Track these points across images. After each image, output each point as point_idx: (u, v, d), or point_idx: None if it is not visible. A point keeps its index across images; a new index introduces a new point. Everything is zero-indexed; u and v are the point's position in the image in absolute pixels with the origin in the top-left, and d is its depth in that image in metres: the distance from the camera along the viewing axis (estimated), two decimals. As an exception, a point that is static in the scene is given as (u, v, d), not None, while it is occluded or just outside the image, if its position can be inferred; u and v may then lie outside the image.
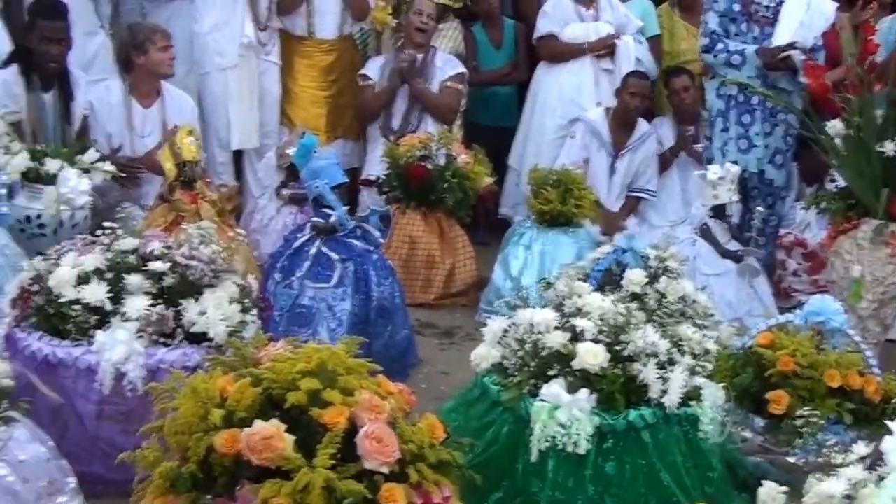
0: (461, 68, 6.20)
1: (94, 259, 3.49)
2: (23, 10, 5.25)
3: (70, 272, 3.43)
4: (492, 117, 6.71)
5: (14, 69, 4.88)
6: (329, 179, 4.41)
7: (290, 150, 5.22)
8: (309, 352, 2.69)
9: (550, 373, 3.03)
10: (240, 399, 2.54)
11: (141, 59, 5.26)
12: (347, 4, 6.14)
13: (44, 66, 4.93)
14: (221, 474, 2.50)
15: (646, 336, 3.03)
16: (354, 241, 4.42)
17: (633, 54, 6.19)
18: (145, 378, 3.24)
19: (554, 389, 2.97)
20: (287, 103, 6.14)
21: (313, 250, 4.38)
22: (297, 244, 4.44)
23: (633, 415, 2.98)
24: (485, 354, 3.22)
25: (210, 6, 5.77)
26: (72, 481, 2.87)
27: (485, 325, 3.32)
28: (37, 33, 4.86)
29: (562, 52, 6.31)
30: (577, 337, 3.07)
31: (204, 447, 2.48)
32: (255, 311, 3.60)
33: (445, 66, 6.14)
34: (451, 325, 5.23)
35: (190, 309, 3.40)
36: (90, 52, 5.36)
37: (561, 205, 5.26)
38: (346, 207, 4.51)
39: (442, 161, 5.57)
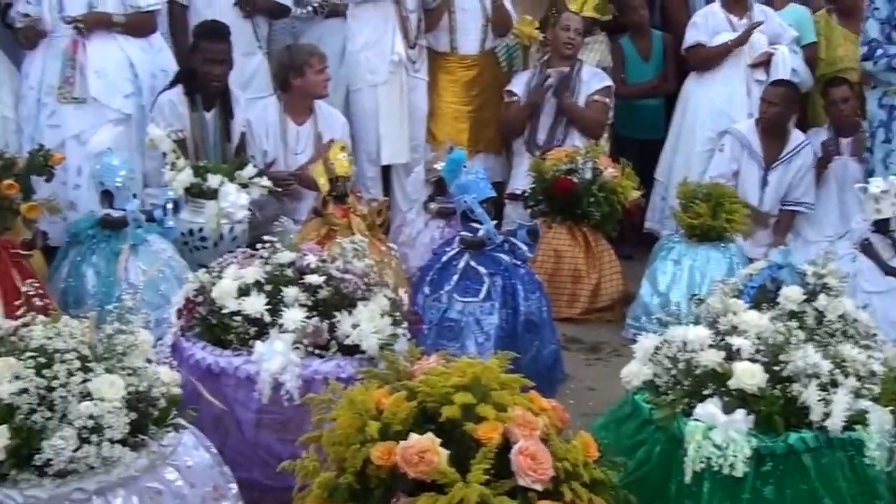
0: (608, 81, 6.16)
1: (253, 272, 3.61)
2: (187, 33, 5.49)
3: (231, 284, 3.55)
4: (639, 130, 6.64)
5: (179, 89, 5.10)
6: (477, 194, 4.43)
7: (439, 165, 5.29)
8: (462, 366, 2.72)
9: (705, 392, 2.97)
10: (395, 412, 2.58)
11: (298, 80, 5.42)
12: (489, 20, 6.17)
13: (207, 86, 5.14)
14: (378, 486, 2.54)
15: (807, 356, 2.93)
16: (502, 256, 4.43)
17: (788, 65, 6.02)
18: (301, 388, 3.33)
19: (709, 409, 2.91)
20: (430, 119, 6.22)
21: (462, 264, 4.41)
22: (445, 258, 4.48)
23: (793, 438, 2.88)
24: (636, 372, 3.17)
25: (362, 24, 5.89)
26: (234, 487, 2.95)
27: (632, 340, 3.28)
28: (200, 55, 5.07)
29: (711, 56, 6.18)
30: (732, 355, 3.00)
31: (361, 459, 2.53)
32: (405, 325, 3.65)
33: (592, 80, 6.11)
34: (598, 340, 5.19)
35: (344, 321, 3.47)
36: (248, 71, 5.57)
37: (711, 219, 5.15)
38: (494, 222, 4.52)
39: (588, 175, 5.53)
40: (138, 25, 5.29)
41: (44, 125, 5.10)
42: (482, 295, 4.34)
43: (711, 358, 2.99)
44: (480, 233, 4.42)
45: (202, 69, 5.09)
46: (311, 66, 5.39)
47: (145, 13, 5.32)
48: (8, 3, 5.77)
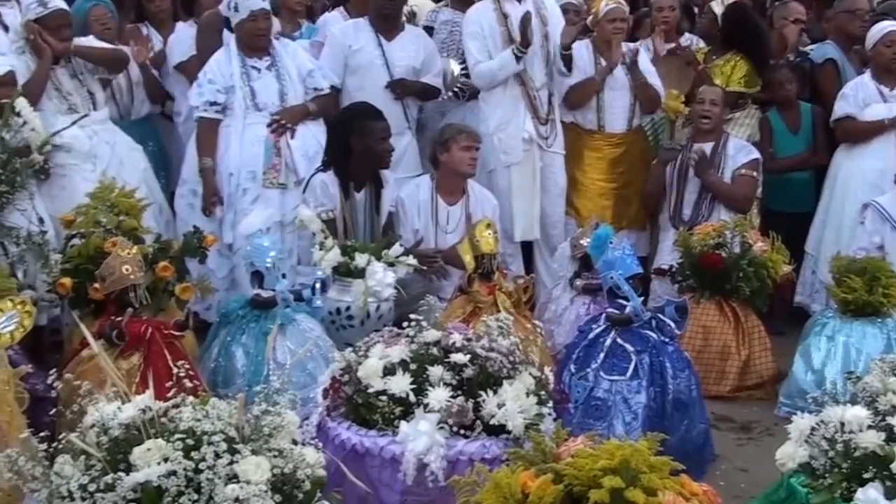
0: (755, 154, 6.01)
1: (399, 351, 3.61)
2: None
3: (377, 364, 3.56)
4: (788, 203, 6.44)
5: (331, 171, 5.22)
6: (624, 270, 4.36)
7: (584, 241, 5.23)
8: (611, 448, 2.64)
9: (865, 476, 2.85)
10: (542, 496, 2.53)
11: (444, 156, 5.48)
12: (638, 98, 6.15)
13: (378, 163, 5.25)
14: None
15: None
16: (650, 333, 4.32)
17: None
18: (446, 469, 3.29)
19: (870, 494, 2.80)
20: (574, 194, 6.19)
21: (608, 341, 4.32)
22: (592, 335, 4.40)
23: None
24: (791, 453, 3.06)
25: (493, 107, 5.94)
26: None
27: (786, 420, 3.17)
28: (371, 135, 5.17)
29: (862, 131, 6.00)
30: (894, 437, 2.88)
31: (506, 544, 2.47)
32: (551, 404, 3.58)
33: (738, 154, 5.98)
34: (749, 419, 5.00)
35: (489, 401, 3.43)
36: (398, 151, 5.66)
37: (867, 294, 4.94)
38: (641, 298, 4.42)
39: (737, 249, 5.39)
40: (324, 108, 5.46)
41: (246, 209, 5.30)
42: (629, 373, 4.24)
43: (871, 439, 2.88)
44: (627, 309, 4.34)
45: (378, 147, 5.20)
46: (456, 142, 5.44)
47: (327, 96, 5.49)
48: (169, 97, 6.13)
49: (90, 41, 5.37)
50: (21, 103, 4.46)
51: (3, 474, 2.75)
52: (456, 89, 6.18)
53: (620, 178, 6.23)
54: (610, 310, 4.41)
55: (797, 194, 6.46)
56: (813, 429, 3.04)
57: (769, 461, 3.14)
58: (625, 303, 4.34)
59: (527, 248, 6.14)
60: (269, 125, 5.40)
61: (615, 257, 4.42)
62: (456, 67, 6.13)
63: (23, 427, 3.33)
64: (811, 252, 6.13)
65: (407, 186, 5.55)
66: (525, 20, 5.70)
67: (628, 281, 4.34)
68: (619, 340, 4.32)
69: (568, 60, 5.95)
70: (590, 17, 6.41)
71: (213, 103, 5.41)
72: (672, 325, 4.37)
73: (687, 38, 6.92)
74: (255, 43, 5.45)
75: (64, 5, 5.18)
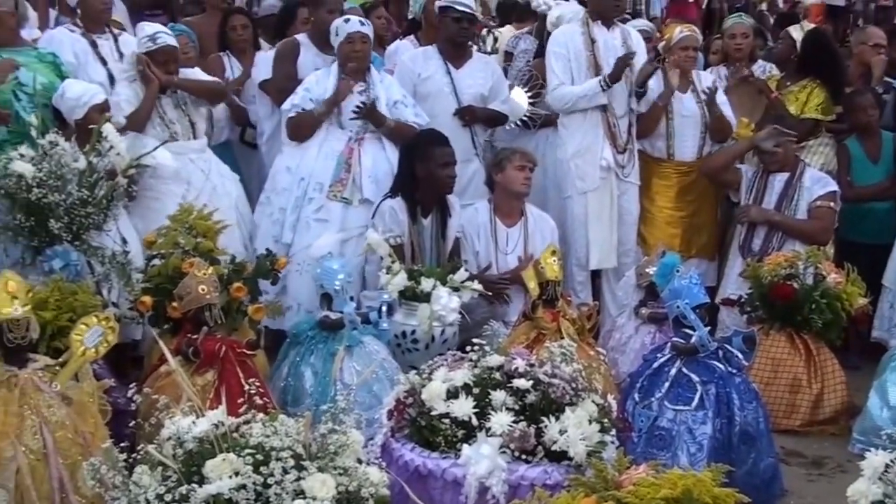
0: (832, 186, 5.92)
1: (462, 374, 3.66)
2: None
3: (441, 387, 3.61)
4: (866, 234, 6.32)
5: (400, 198, 5.31)
6: (690, 299, 4.34)
7: (651, 270, 5.22)
8: (673, 478, 2.65)
9: None
10: (601, 522, 2.53)
11: (499, 176, 5.55)
12: (709, 127, 6.14)
13: (443, 188, 5.32)
14: None
15: None
16: (716, 363, 4.30)
17: None
18: (507, 493, 3.32)
19: None
20: (642, 223, 6.17)
21: (674, 371, 4.31)
22: (656, 364, 4.39)
23: None
24: (864, 491, 3.02)
25: (573, 132, 5.98)
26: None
27: (860, 456, 3.11)
28: (433, 161, 5.26)
29: None
30: None
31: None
32: (614, 432, 3.59)
33: (815, 185, 5.88)
34: (820, 454, 4.92)
35: (551, 427, 3.46)
36: (465, 177, 5.74)
37: (946, 330, 4.84)
38: (707, 328, 4.41)
39: (810, 280, 5.32)
40: (400, 134, 5.58)
41: (310, 217, 5.44)
42: (695, 403, 4.22)
43: (946, 479, 2.80)
44: (694, 339, 4.32)
45: (440, 173, 5.28)
46: (511, 162, 5.50)
47: (409, 126, 5.61)
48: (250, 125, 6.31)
49: (195, 73, 5.60)
50: (108, 129, 4.64)
51: (87, 482, 2.88)
52: (525, 118, 6.24)
53: (689, 207, 6.20)
54: (675, 339, 4.40)
55: (876, 225, 6.34)
56: (887, 466, 3.01)
57: (841, 498, 3.10)
58: (691, 332, 4.32)
59: (592, 275, 6.12)
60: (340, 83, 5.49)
61: (682, 286, 4.41)
62: (524, 97, 6.19)
63: (105, 438, 3.45)
64: (889, 285, 6.00)
65: (466, 211, 5.60)
66: (625, 60, 5.76)
67: (695, 310, 4.33)
68: (684, 370, 4.31)
69: (640, 96, 5.99)
70: (661, 43, 6.43)
71: (302, 108, 5.55)
72: (739, 356, 4.34)
73: (760, 66, 6.89)
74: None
75: (173, 42, 5.41)
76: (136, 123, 5.21)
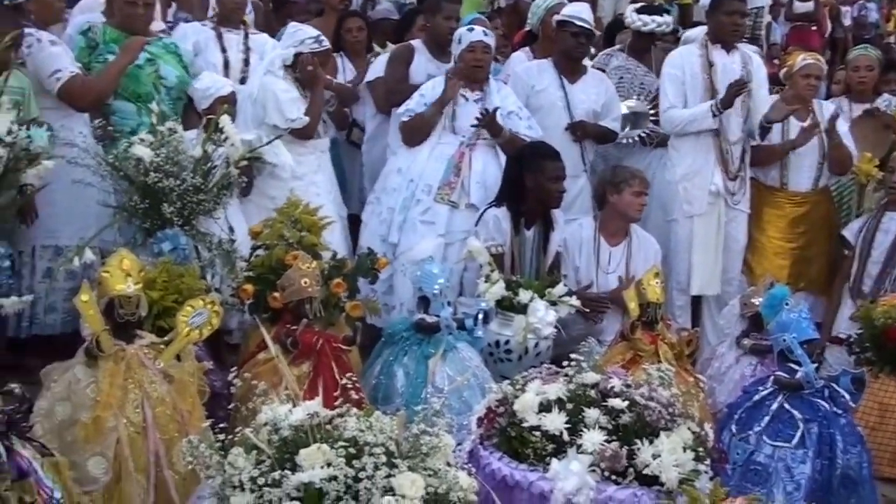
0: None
1: (557, 389, 3.62)
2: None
3: (534, 399, 3.58)
4: None
5: (504, 207, 5.30)
6: (798, 333, 4.22)
7: (756, 300, 5.10)
8: (770, 512, 2.57)
9: None
10: (693, 550, 2.47)
11: (614, 197, 5.50)
12: (828, 158, 5.99)
13: (548, 202, 5.31)
14: None
15: None
16: (821, 402, 4.16)
17: None
18: (593, 512, 3.28)
19: None
20: (750, 252, 6.07)
21: (775, 406, 4.19)
22: (757, 397, 4.27)
23: None
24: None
25: (683, 155, 5.91)
26: None
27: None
28: (543, 174, 5.24)
29: None
30: None
31: None
32: (708, 462, 3.51)
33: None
34: (924, 506, 4.74)
35: (644, 450, 3.40)
36: (572, 193, 5.70)
37: None
38: (814, 365, 4.28)
39: (925, 325, 5.13)
40: (513, 146, 5.58)
41: (416, 219, 5.49)
42: (795, 441, 4.10)
43: None
44: (799, 375, 4.19)
45: (550, 186, 5.27)
46: (630, 187, 5.47)
47: (522, 138, 5.61)
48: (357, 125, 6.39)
49: None
50: (225, 120, 4.75)
51: (183, 458, 2.93)
52: (643, 134, 6.17)
53: (800, 239, 6.08)
54: (779, 373, 4.27)
55: None
56: None
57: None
58: (796, 367, 4.19)
59: (693, 301, 6.04)
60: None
61: (790, 319, 4.28)
62: (648, 111, 6.13)
63: (202, 418, 3.55)
64: None
65: (570, 227, 5.58)
66: (737, 86, 5.68)
67: (802, 345, 4.21)
68: (786, 406, 4.18)
69: (765, 131, 5.87)
70: (783, 70, 6.30)
71: (416, 113, 5.59)
72: (846, 396, 4.21)
73: (885, 100, 6.69)
74: (471, 73, 5.62)
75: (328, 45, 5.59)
76: (308, 130, 5.39)
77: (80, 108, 4.99)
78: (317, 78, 5.46)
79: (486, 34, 5.67)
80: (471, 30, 5.65)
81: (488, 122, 5.48)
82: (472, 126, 5.52)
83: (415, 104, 5.62)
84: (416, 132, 5.61)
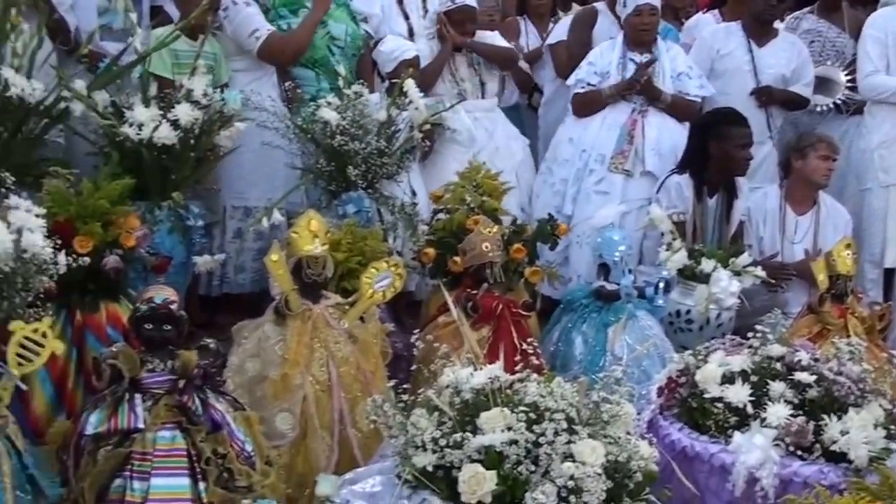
0: None
1: (741, 360, 3.55)
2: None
3: (717, 370, 3.52)
4: None
5: (686, 174, 5.19)
6: None
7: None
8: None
9: None
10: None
11: (798, 162, 5.33)
12: None
13: (735, 169, 5.19)
14: None
15: None
16: None
17: None
18: (777, 488, 3.20)
19: None
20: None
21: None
22: (956, 375, 4.06)
23: None
24: None
25: (881, 121, 5.66)
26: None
27: None
28: (729, 140, 5.11)
29: None
30: None
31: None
32: (901, 440, 3.36)
33: None
34: None
35: (832, 426, 3.29)
36: (757, 160, 5.51)
37: None
38: None
39: None
40: (678, 108, 5.48)
41: (590, 189, 5.45)
42: None
43: None
44: None
45: (736, 154, 5.14)
46: (815, 150, 5.28)
47: (689, 101, 5.51)
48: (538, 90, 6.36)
49: (493, 37, 5.71)
50: (409, 84, 4.83)
51: (367, 418, 3.02)
52: (839, 101, 5.91)
53: None
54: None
55: None
56: None
57: None
58: None
59: (886, 274, 5.78)
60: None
61: None
62: (842, 77, 5.86)
63: (384, 378, 3.63)
64: None
65: (754, 196, 5.42)
66: None
67: None
68: None
69: None
70: None
71: (588, 83, 5.54)
72: None
73: None
74: (638, 37, 5.52)
75: (471, 2, 5.53)
76: (426, 79, 5.34)
77: (280, 64, 5.19)
78: (441, 36, 5.47)
79: None
80: None
81: (644, 87, 5.37)
82: (630, 81, 5.42)
83: (584, 73, 5.56)
84: (589, 106, 5.55)
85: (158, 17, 5.38)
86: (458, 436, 2.74)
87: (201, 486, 3.04)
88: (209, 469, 3.04)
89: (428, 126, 4.98)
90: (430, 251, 4.55)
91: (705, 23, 6.35)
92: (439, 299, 4.12)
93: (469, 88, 5.58)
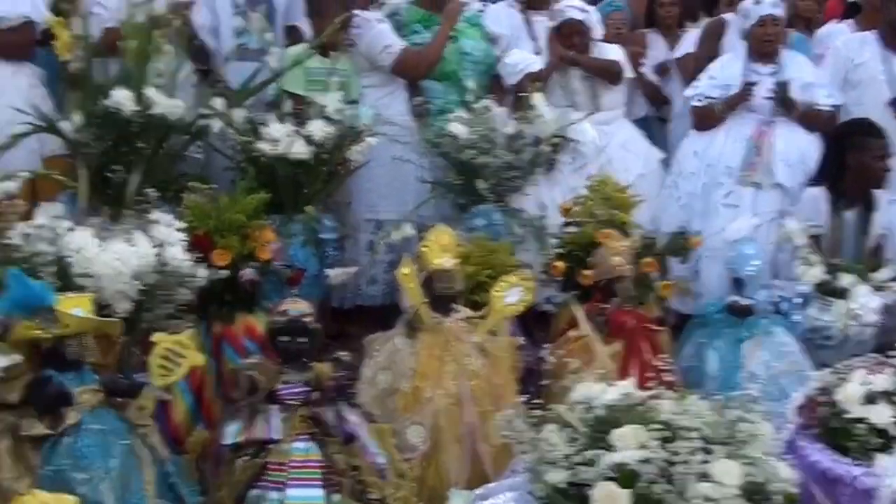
0: None
1: (884, 380, 3.41)
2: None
3: (858, 389, 3.39)
4: None
5: (823, 187, 5.04)
6: None
7: None
8: None
9: None
10: None
11: None
12: None
13: (871, 182, 5.03)
14: None
15: None
16: None
17: None
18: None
19: None
20: None
21: None
22: None
23: None
24: None
25: None
26: None
27: None
28: (867, 152, 4.96)
29: None
30: None
31: None
32: None
33: None
34: None
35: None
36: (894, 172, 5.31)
37: None
38: None
39: None
40: (809, 119, 5.34)
41: (718, 203, 5.33)
42: None
43: None
44: None
45: (874, 165, 4.98)
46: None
47: (818, 110, 5.37)
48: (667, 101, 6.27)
49: (607, 50, 5.63)
50: (537, 98, 4.83)
51: (498, 432, 3.02)
52: None
53: None
54: None
55: None
56: None
57: None
58: None
59: None
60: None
61: None
62: None
63: (515, 392, 3.61)
64: None
65: (893, 207, 5.15)
66: None
67: None
68: None
69: None
70: None
71: (707, 97, 5.44)
72: None
73: None
74: (761, 48, 5.40)
75: (577, 16, 5.49)
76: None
77: (414, 78, 5.28)
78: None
79: (774, 5, 5.37)
80: (758, 2, 5.35)
81: (780, 98, 5.23)
82: (765, 97, 5.28)
83: (704, 87, 5.45)
84: (706, 120, 5.44)
85: (292, 35, 5.52)
86: (590, 453, 2.71)
87: (335, 497, 3.09)
88: (343, 481, 3.08)
89: (556, 139, 4.96)
90: (560, 264, 4.52)
91: (839, 32, 6.14)
92: (569, 313, 4.10)
93: (581, 101, 5.52)
